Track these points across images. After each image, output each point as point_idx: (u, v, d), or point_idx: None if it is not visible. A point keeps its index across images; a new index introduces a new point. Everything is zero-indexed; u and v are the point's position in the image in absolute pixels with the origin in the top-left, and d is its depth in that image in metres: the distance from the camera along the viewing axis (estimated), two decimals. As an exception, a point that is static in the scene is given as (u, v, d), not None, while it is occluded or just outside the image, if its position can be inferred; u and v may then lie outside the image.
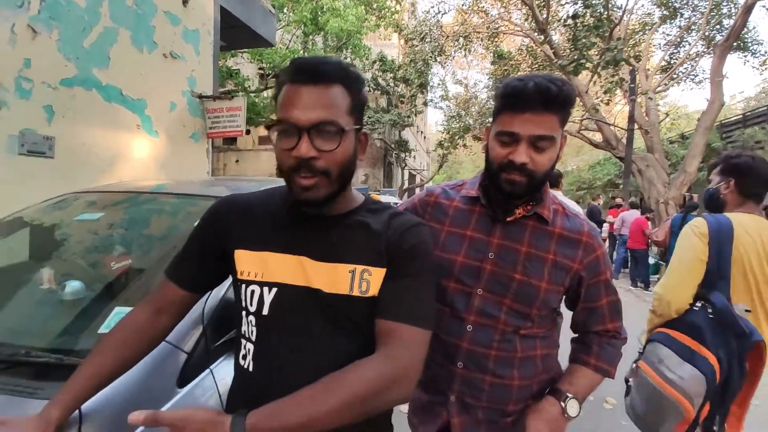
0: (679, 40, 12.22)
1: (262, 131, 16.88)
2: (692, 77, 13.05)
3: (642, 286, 6.81)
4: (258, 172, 17.31)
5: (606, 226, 8.90)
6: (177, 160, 3.83)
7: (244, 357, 0.73)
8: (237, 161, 17.93)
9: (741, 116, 12.41)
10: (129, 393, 0.84)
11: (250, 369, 0.71)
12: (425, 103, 19.17)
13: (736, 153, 1.47)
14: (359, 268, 0.69)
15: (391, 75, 15.94)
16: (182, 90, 3.86)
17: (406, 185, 22.26)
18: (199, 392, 0.96)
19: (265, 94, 13.64)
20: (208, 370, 1.02)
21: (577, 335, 1.01)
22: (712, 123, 9.09)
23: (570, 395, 0.88)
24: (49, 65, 2.69)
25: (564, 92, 0.80)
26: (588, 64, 8.02)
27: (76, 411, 0.73)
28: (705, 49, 11.56)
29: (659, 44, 13.47)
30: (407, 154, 19.51)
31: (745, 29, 10.41)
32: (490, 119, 0.92)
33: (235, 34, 4.93)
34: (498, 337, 0.88)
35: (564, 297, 0.97)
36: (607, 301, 0.94)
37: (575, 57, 7.65)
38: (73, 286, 1.22)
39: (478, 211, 0.95)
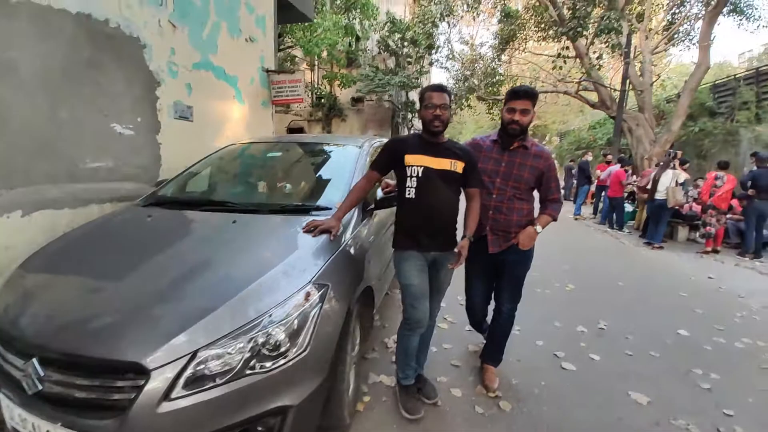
0: (680, 1, 12.58)
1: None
2: (690, 38, 13.52)
3: (617, 228, 8.12)
4: (268, 131, 18.13)
5: (595, 180, 10.06)
6: (253, 122, 4.94)
7: (408, 194, 1.92)
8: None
9: (733, 77, 13.07)
10: (351, 219, 2.10)
11: (413, 197, 1.91)
12: (431, 63, 19.59)
13: None
14: (453, 160, 1.92)
15: (400, 36, 16.33)
16: (257, 67, 4.89)
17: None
18: (365, 222, 2.26)
19: (280, 54, 14.23)
20: (366, 217, 2.28)
21: (541, 204, 2.21)
22: (697, 85, 9.92)
23: (537, 224, 2.12)
24: (185, 53, 3.74)
25: (534, 92, 2.00)
26: (585, 32, 8.78)
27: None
28: (703, 12, 11.93)
29: (663, 3, 13.77)
30: (414, 114, 20.22)
31: None
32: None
33: (282, 12, 5.82)
34: (507, 199, 2.10)
35: (536, 185, 2.16)
36: (555, 184, 2.16)
37: (572, 25, 8.41)
38: (288, 186, 2.46)
39: (497, 146, 2.14)
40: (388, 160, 1.99)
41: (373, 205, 2.37)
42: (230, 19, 4.32)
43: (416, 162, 1.90)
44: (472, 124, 37.52)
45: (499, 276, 2.26)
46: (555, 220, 2.18)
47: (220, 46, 4.16)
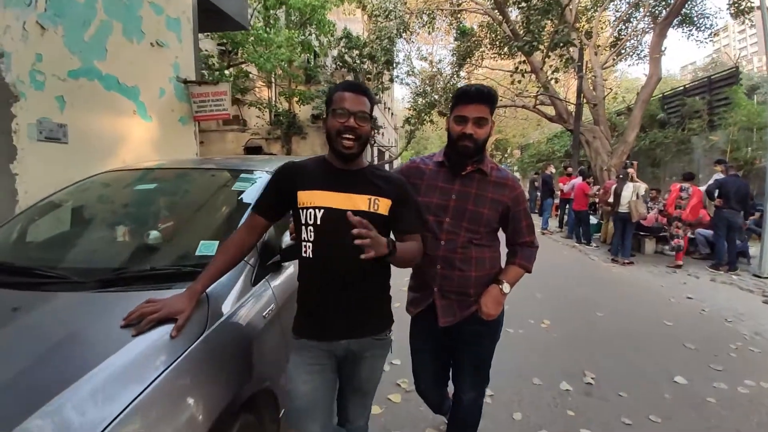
0: (627, 16, 12.97)
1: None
2: (638, 53, 13.95)
3: (585, 242, 7.80)
4: (224, 151, 17.08)
5: (558, 193, 9.85)
6: (168, 142, 4.12)
7: (305, 251, 1.24)
8: (201, 143, 17.44)
9: (682, 87, 13.54)
10: (231, 285, 1.37)
11: (311, 256, 1.23)
12: (391, 80, 19.35)
13: None
14: (372, 197, 1.24)
15: (357, 52, 15.99)
16: (169, 77, 4.10)
17: (375, 162, 22.63)
18: (262, 288, 1.54)
19: (227, 72, 13.42)
20: (264, 279, 1.56)
21: (509, 249, 1.59)
22: (649, 96, 10.07)
23: (505, 281, 1.47)
24: (58, 59, 2.91)
25: (491, 92, 1.37)
26: (540, 46, 8.65)
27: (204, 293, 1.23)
28: (651, 26, 12.21)
29: (609, 21, 14.23)
30: (376, 131, 19.80)
31: (693, 3, 11.12)
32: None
33: (209, 18, 5.10)
34: (460, 246, 1.44)
35: (500, 224, 1.54)
36: (526, 223, 1.53)
37: (528, 39, 8.25)
38: (154, 234, 1.69)
39: (444, 171, 1.50)
40: (275, 197, 1.30)
41: (278, 257, 1.66)
42: (127, 19, 3.54)
43: (313, 201, 1.22)
44: (437, 140, 37.74)
45: (455, 353, 1.60)
46: (528, 271, 1.55)
47: (111, 51, 3.35)
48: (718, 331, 3.68)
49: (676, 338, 3.44)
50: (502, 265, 1.58)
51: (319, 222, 1.21)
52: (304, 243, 1.24)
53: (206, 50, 12.29)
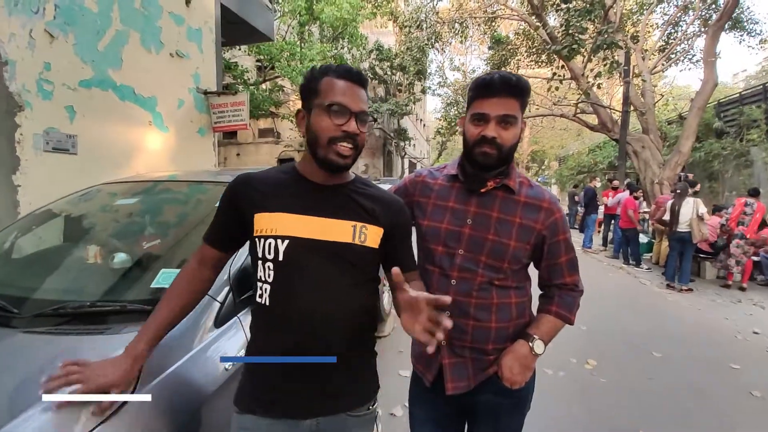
0: (676, 20, 12.10)
1: (263, 124, 17.02)
2: (689, 57, 12.96)
3: (633, 263, 7.03)
4: (258, 163, 17.49)
5: (601, 208, 9.09)
6: (186, 153, 4.04)
7: (261, 296, 0.91)
8: (238, 154, 18.06)
9: (738, 95, 12.38)
10: (182, 328, 1.09)
11: (267, 303, 0.90)
12: (423, 91, 19.12)
13: None
14: (357, 223, 0.92)
15: (388, 64, 15.92)
16: (188, 87, 4.04)
17: (406, 174, 22.34)
18: (230, 332, 1.24)
19: (263, 86, 13.77)
20: (236, 317, 1.26)
21: (542, 290, 1.21)
22: (705, 103, 9.15)
23: (536, 337, 1.09)
24: (68, 68, 2.88)
25: (521, 82, 1.02)
26: (581, 49, 8.10)
27: None
28: (701, 29, 11.42)
29: (657, 24, 13.37)
30: (407, 142, 19.58)
31: (741, 9, 10.37)
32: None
33: (234, 30, 5.07)
34: (477, 287, 1.09)
35: (531, 258, 1.17)
36: (566, 258, 1.14)
37: (568, 42, 7.73)
38: (120, 258, 1.46)
39: (458, 187, 1.15)
40: (227, 222, 0.98)
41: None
42: (146, 28, 3.49)
43: (274, 228, 0.90)
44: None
45: (470, 428, 1.23)
46: (570, 323, 1.17)
47: (126, 61, 3.30)
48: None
49: (743, 384, 2.88)
50: (533, 310, 1.21)
51: (281, 257, 0.88)
52: (259, 284, 0.91)
53: (243, 66, 12.68)
